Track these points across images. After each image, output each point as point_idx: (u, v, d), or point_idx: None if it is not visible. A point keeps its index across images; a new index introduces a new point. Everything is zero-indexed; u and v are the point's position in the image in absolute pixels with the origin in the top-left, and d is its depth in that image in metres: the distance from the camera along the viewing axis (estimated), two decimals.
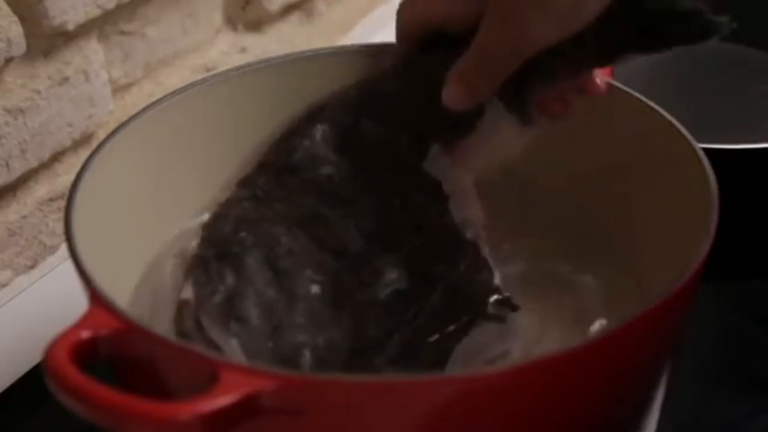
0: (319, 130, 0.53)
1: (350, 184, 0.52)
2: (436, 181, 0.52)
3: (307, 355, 0.48)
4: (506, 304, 0.50)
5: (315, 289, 0.50)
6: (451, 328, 0.49)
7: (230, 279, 0.50)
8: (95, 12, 0.65)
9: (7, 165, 0.63)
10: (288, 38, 0.83)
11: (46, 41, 0.64)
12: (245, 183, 0.54)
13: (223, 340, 0.48)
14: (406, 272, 0.51)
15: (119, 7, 0.67)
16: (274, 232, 0.51)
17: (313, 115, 0.54)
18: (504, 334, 0.50)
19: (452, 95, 0.50)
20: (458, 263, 0.51)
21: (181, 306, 0.50)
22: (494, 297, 0.50)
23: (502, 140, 0.51)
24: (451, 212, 0.52)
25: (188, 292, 0.50)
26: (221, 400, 0.39)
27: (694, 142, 0.51)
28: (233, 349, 0.48)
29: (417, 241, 0.51)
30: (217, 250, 0.51)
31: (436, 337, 0.49)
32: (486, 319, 0.49)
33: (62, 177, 0.67)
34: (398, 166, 0.52)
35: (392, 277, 0.50)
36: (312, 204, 0.52)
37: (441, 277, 0.50)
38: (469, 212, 0.52)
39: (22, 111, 0.63)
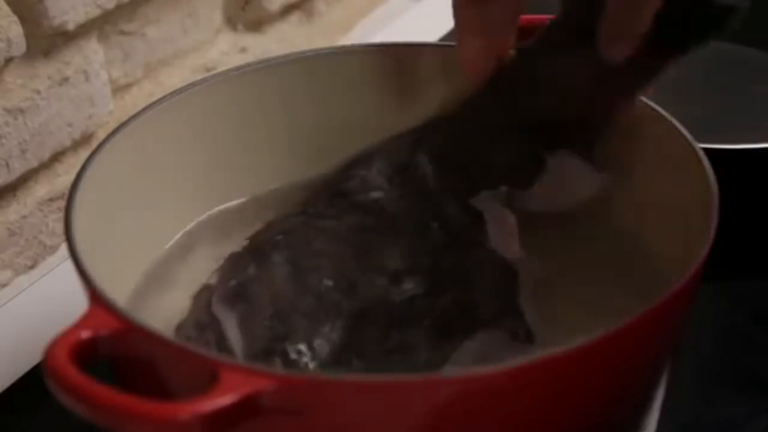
0: (376, 163, 0.54)
1: (395, 208, 0.53)
2: (478, 211, 0.53)
3: (299, 338, 0.48)
4: (525, 328, 0.50)
5: (327, 284, 0.50)
6: (455, 333, 0.49)
7: (251, 270, 0.51)
8: (95, 12, 0.65)
9: (7, 165, 0.63)
10: (288, 38, 0.83)
11: (46, 41, 0.64)
12: (299, 203, 0.55)
13: (223, 315, 0.49)
14: (423, 278, 0.51)
15: (119, 7, 0.67)
16: (309, 237, 0.53)
17: (372, 151, 0.55)
18: (515, 348, 0.50)
19: (616, 53, 0.48)
20: (480, 275, 0.51)
21: (203, 289, 0.52)
22: (512, 316, 0.51)
23: (569, 188, 0.52)
24: (487, 233, 0.53)
25: (213, 280, 0.52)
26: (221, 400, 0.39)
27: (694, 142, 0.51)
28: (231, 324, 0.49)
29: (444, 253, 0.52)
30: (250, 249, 0.53)
31: (436, 338, 0.49)
32: (500, 332, 0.50)
33: (62, 177, 0.67)
34: (444, 198, 0.54)
35: (410, 286, 0.51)
36: (355, 221, 0.53)
37: (457, 283, 0.51)
38: (506, 242, 0.53)
39: (22, 111, 0.63)
